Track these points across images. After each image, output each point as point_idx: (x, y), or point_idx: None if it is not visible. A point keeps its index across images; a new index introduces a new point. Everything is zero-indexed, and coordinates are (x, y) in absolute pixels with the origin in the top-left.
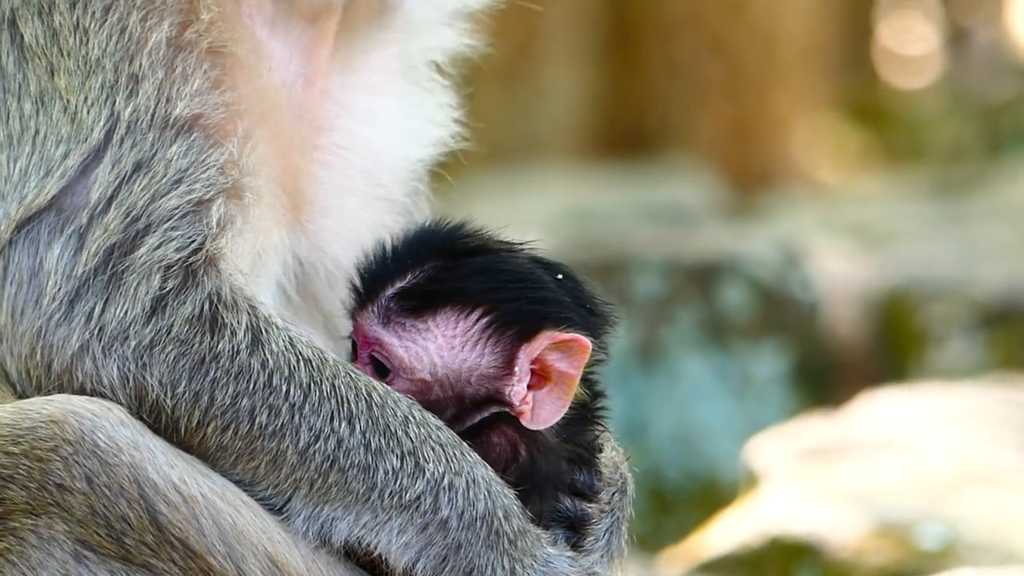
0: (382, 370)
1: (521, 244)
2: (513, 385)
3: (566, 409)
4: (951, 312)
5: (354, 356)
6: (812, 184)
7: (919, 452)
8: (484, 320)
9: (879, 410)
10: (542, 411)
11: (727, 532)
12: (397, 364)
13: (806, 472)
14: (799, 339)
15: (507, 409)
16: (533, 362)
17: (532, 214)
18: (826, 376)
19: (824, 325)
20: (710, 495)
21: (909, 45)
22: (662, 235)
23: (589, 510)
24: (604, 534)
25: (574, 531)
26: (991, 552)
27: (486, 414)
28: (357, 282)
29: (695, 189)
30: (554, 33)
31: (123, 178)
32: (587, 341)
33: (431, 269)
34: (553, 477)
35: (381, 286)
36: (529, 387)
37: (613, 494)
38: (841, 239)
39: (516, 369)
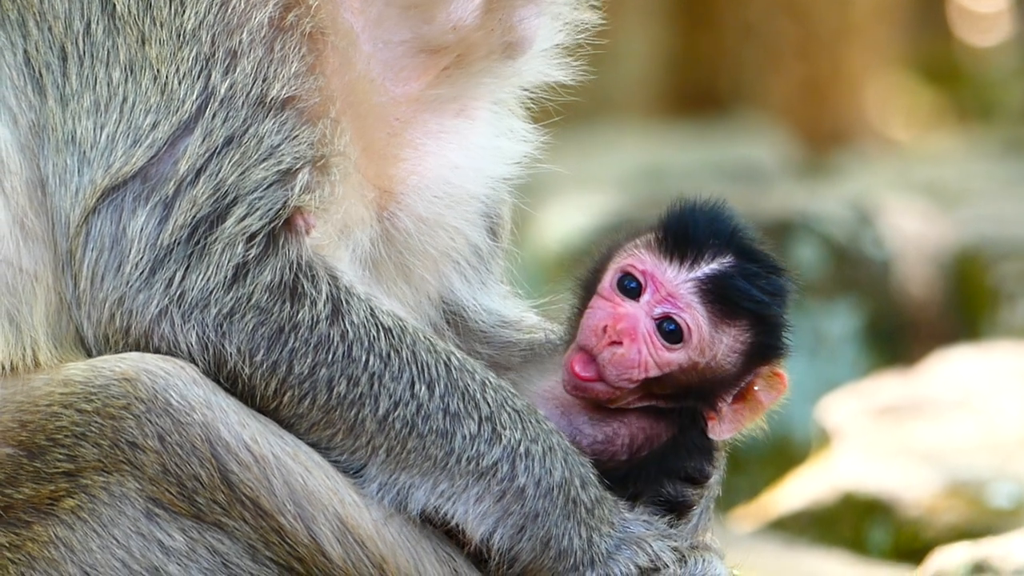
0: (670, 334)
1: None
2: (729, 394)
3: (738, 432)
4: (1022, 271)
5: (621, 288)
6: (884, 143)
7: (991, 411)
8: (759, 340)
9: (952, 369)
10: (724, 425)
11: (799, 490)
12: (696, 339)
13: (878, 430)
14: (871, 297)
15: (704, 409)
16: (749, 382)
17: (606, 172)
18: (898, 334)
19: (896, 283)
20: (782, 453)
21: (981, 2)
22: (735, 193)
23: (692, 496)
24: (696, 516)
25: (672, 513)
26: None
27: (686, 405)
28: (673, 233)
29: (768, 147)
30: None
31: (214, 151)
32: (787, 381)
33: (737, 265)
34: (672, 465)
35: (700, 256)
36: None
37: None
38: (913, 197)
39: (743, 383)
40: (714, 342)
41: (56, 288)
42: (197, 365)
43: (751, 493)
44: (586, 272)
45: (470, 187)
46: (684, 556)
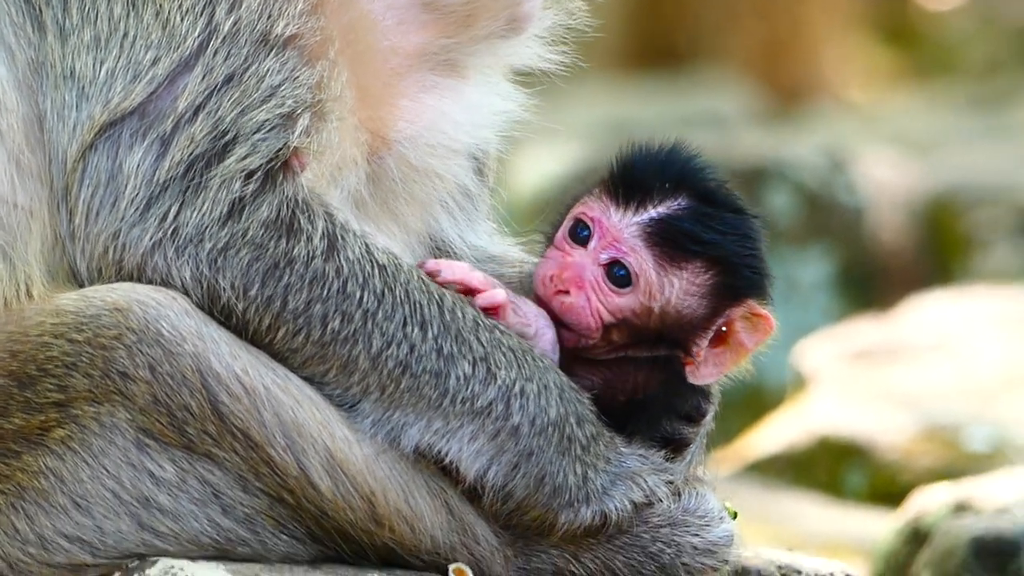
0: (619, 278)
1: (727, 184)
2: (702, 338)
3: (722, 376)
4: (996, 217)
5: (573, 236)
6: (843, 103)
7: (967, 354)
8: (719, 278)
9: (927, 313)
10: (705, 369)
11: (775, 434)
12: (644, 282)
13: (854, 375)
14: (844, 244)
15: (679, 354)
16: (724, 323)
17: (572, 124)
18: (871, 281)
19: (869, 230)
20: (755, 400)
21: None
22: (704, 142)
23: (689, 434)
24: (691, 452)
25: (670, 450)
26: None
27: (660, 353)
28: (619, 178)
29: (731, 101)
30: None
31: (213, 88)
32: (774, 323)
33: (689, 207)
34: (669, 406)
35: (647, 200)
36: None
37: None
38: (883, 148)
39: (714, 325)
40: (664, 285)
41: (51, 224)
42: (191, 299)
43: (724, 440)
44: (550, 223)
45: (462, 138)
46: (678, 490)
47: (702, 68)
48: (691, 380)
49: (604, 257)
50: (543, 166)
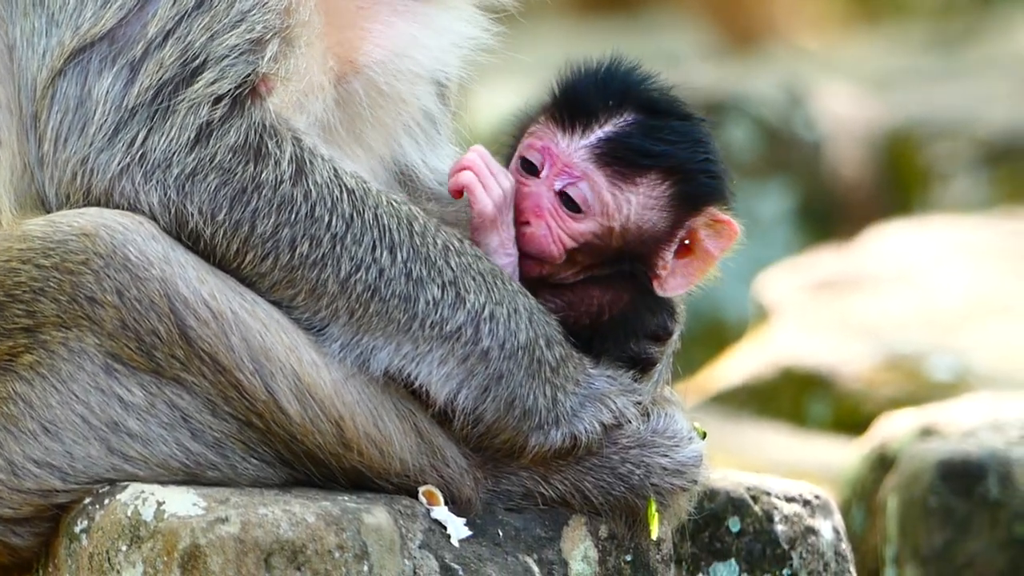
0: (573, 203)
1: (673, 90)
2: (666, 251)
3: (692, 287)
4: (955, 150)
5: (525, 166)
6: (797, 48)
7: (929, 285)
8: (677, 187)
9: (889, 243)
10: (673, 280)
11: (739, 365)
12: (598, 206)
13: (816, 305)
14: (803, 178)
15: (645, 269)
16: (687, 233)
17: (531, 64)
18: (830, 215)
19: (828, 164)
20: (716, 335)
21: None
22: (663, 76)
23: (655, 353)
24: (658, 372)
25: (637, 371)
26: (1001, 382)
27: (624, 268)
28: (562, 102)
29: (687, 41)
30: None
31: (183, 14)
32: (738, 228)
33: (636, 122)
34: (636, 326)
35: (592, 121)
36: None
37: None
38: (841, 84)
39: (677, 237)
40: (620, 204)
41: (21, 153)
42: (158, 224)
43: (688, 372)
44: (507, 151)
45: (428, 63)
46: (647, 411)
47: (656, 12)
48: (659, 293)
49: (558, 184)
50: (500, 101)
